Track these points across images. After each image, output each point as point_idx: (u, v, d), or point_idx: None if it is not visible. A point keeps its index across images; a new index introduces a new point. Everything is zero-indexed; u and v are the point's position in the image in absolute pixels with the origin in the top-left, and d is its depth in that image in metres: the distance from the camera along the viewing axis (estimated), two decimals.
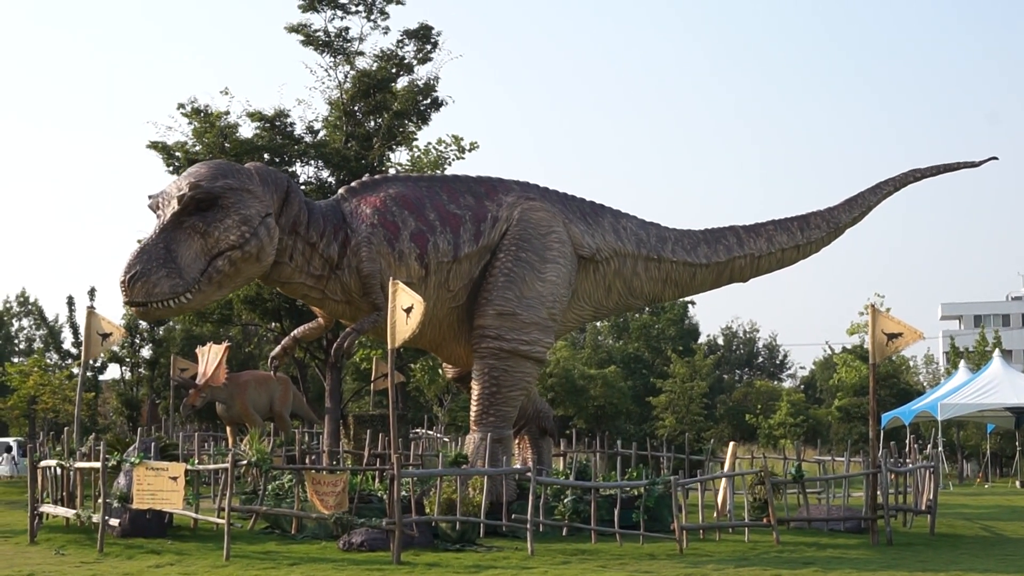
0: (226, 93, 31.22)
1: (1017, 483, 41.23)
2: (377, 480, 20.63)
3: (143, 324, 48.08)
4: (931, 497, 21.54)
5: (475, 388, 20.25)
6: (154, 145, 30.79)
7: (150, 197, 18.29)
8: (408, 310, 16.76)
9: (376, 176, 21.37)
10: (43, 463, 20.52)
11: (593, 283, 21.58)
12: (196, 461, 21.13)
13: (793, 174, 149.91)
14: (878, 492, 19.59)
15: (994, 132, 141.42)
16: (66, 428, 21.93)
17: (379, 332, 18.71)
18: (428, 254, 19.73)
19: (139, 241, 31.04)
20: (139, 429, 24.75)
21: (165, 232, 17.72)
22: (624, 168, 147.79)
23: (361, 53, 32.14)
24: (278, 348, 20.95)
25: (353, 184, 20.59)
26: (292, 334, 21.19)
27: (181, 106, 30.86)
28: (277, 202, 18.60)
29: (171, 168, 30.81)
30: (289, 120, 31.42)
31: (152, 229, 17.95)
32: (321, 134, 32.17)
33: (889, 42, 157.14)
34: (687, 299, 64.30)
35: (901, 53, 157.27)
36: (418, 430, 38.22)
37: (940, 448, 36.95)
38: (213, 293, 18.47)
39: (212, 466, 20.62)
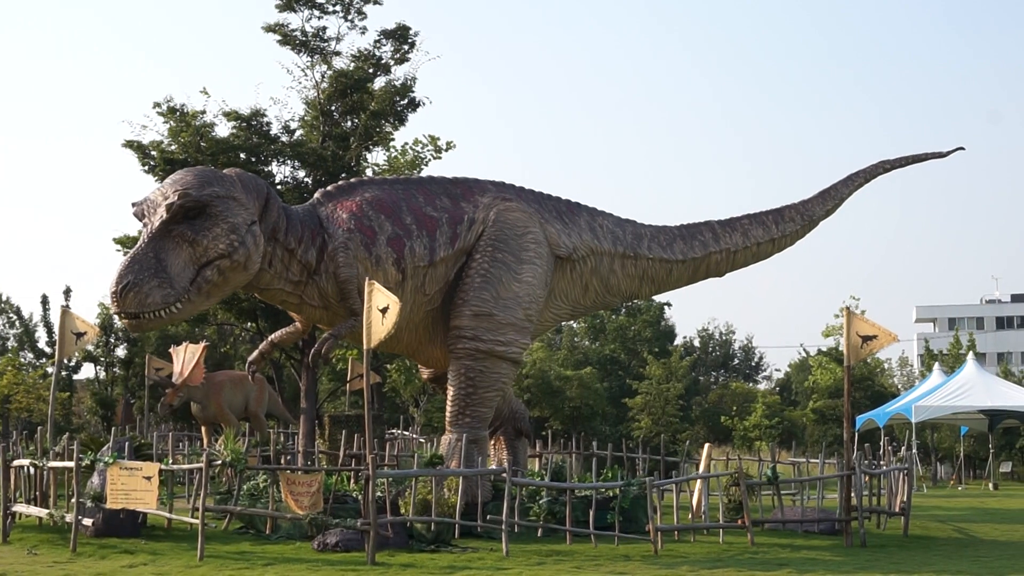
0: (205, 93, 31.22)
1: (990, 485, 41.42)
2: (352, 480, 20.60)
3: (118, 323, 47.91)
4: (905, 499, 21.62)
5: (451, 389, 20.23)
6: (129, 144, 30.71)
7: (134, 205, 18.10)
8: (384, 310, 16.75)
9: (352, 179, 21.29)
10: (16, 462, 20.42)
11: (570, 282, 21.58)
12: (170, 461, 21.09)
13: (790, 174, 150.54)
14: (852, 494, 19.65)
15: (994, 133, 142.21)
16: (40, 427, 21.84)
17: (357, 336, 18.66)
18: (405, 259, 19.67)
19: (116, 240, 31.33)
20: (113, 428, 24.67)
21: (154, 241, 17.50)
22: (604, 166, 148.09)
23: (338, 53, 32.19)
24: (255, 353, 20.87)
25: (329, 188, 20.46)
26: (269, 339, 21.12)
27: (157, 105, 30.83)
28: (258, 209, 18.50)
29: (146, 167, 30.74)
30: (265, 120, 31.42)
31: (140, 238, 17.76)
32: (298, 134, 32.17)
33: (888, 42, 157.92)
34: (663, 301, 64.69)
35: (900, 53, 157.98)
36: (394, 431, 38.19)
37: (914, 450, 37.13)
38: (202, 303, 18.41)
39: (186, 466, 20.54)
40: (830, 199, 24.03)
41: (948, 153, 24.62)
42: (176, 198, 17.50)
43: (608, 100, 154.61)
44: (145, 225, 17.82)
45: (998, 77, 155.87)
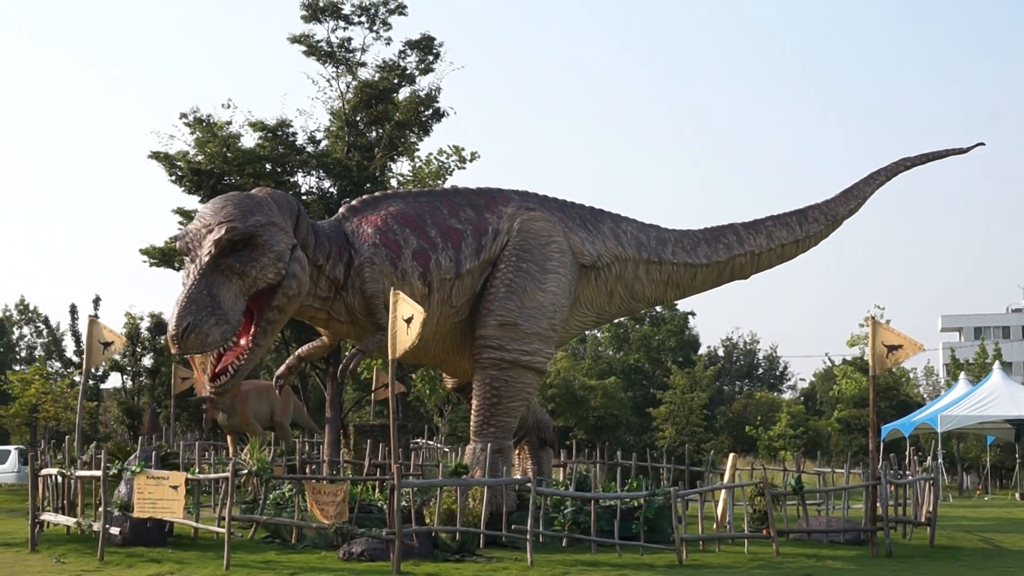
0: (229, 107, 31.34)
1: (1017, 495, 41.19)
2: (377, 490, 20.66)
3: (144, 333, 48.19)
4: (931, 509, 21.53)
5: (476, 399, 20.23)
6: (156, 155, 30.88)
7: (176, 239, 17.99)
8: (408, 320, 16.78)
9: (376, 193, 21.29)
10: (44, 471, 20.56)
11: (595, 289, 21.58)
12: (197, 470, 21.19)
13: (790, 176, 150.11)
14: (878, 504, 19.60)
15: (996, 136, 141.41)
16: (67, 436, 21.94)
17: (384, 350, 18.69)
18: (431, 272, 19.68)
19: (143, 251, 31.51)
20: (140, 438, 24.79)
21: (205, 277, 17.31)
22: (629, 173, 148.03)
23: (363, 64, 32.32)
24: (283, 367, 20.89)
25: (353, 203, 20.44)
26: (296, 353, 21.17)
27: (183, 116, 31.00)
28: (291, 227, 18.53)
29: (173, 177, 30.92)
30: (291, 130, 31.53)
31: (190, 273, 17.52)
32: (323, 144, 32.28)
33: (888, 42, 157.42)
34: (687, 310, 64.64)
35: (900, 53, 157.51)
36: (418, 440, 38.26)
37: (940, 460, 36.99)
38: (269, 341, 18.67)
39: (213, 475, 20.67)
40: (852, 198, 24.01)
41: (969, 149, 24.55)
42: (224, 232, 17.33)
43: (632, 107, 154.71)
44: (192, 260, 17.63)
45: (1005, 77, 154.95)
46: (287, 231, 18.19)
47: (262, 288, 17.76)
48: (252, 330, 17.89)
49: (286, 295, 17.98)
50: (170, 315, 17.25)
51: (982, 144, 24.61)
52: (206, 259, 17.35)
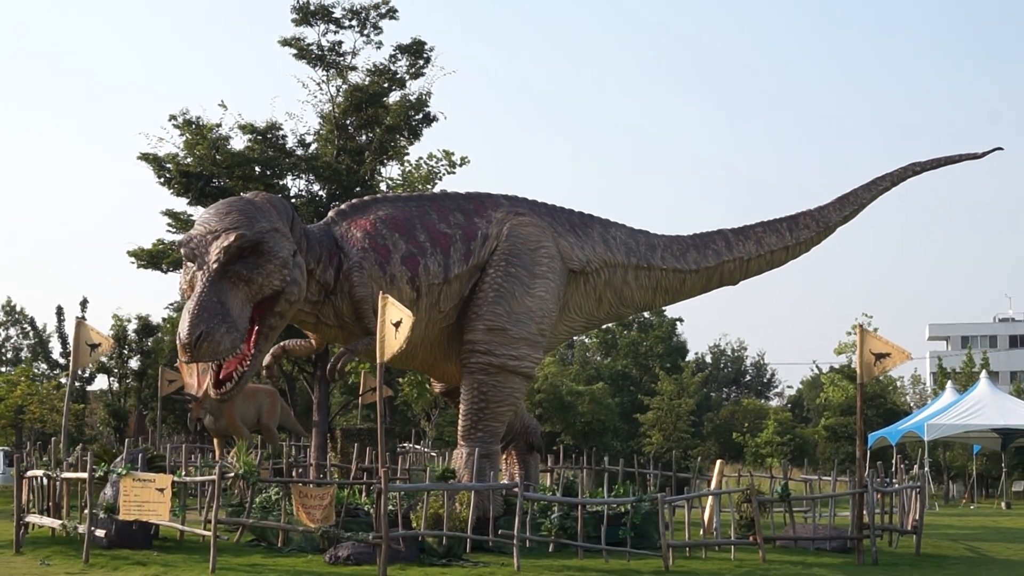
0: (223, 106, 31.32)
1: (1003, 504, 41.28)
2: (364, 494, 20.63)
3: (131, 335, 48.12)
4: (917, 517, 21.57)
5: (463, 403, 20.19)
6: (145, 156, 30.82)
7: (182, 245, 17.86)
8: (397, 324, 16.75)
9: (366, 197, 21.24)
10: (30, 473, 20.49)
11: (584, 294, 21.54)
12: (183, 473, 21.11)
13: (791, 177, 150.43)
14: (864, 512, 19.62)
15: (1013, 152, 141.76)
16: (53, 438, 21.90)
17: (372, 354, 18.65)
18: (419, 277, 19.64)
19: (131, 253, 31.44)
20: (126, 440, 24.72)
21: (214, 284, 17.23)
22: (619, 179, 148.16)
23: (354, 67, 32.30)
24: (267, 357, 20.81)
25: (343, 207, 20.41)
26: (281, 344, 21.09)
27: (173, 118, 30.94)
28: (288, 232, 18.50)
29: (162, 179, 30.85)
30: (281, 133, 31.52)
31: (197, 280, 17.38)
32: (313, 147, 32.26)
33: (888, 42, 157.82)
34: (676, 316, 64.69)
35: (900, 53, 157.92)
36: (406, 444, 38.19)
37: (926, 468, 37.07)
38: (269, 347, 18.74)
39: (199, 478, 20.60)
40: (848, 205, 23.66)
41: (984, 154, 23.76)
42: (233, 239, 17.28)
43: (624, 113, 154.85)
44: (199, 267, 17.49)
45: (1003, 82, 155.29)
46: (288, 237, 18.17)
47: (268, 296, 17.76)
48: (254, 336, 17.87)
49: (288, 301, 17.97)
50: (181, 323, 17.14)
51: (1000, 149, 24.04)
52: (215, 266, 17.29)
